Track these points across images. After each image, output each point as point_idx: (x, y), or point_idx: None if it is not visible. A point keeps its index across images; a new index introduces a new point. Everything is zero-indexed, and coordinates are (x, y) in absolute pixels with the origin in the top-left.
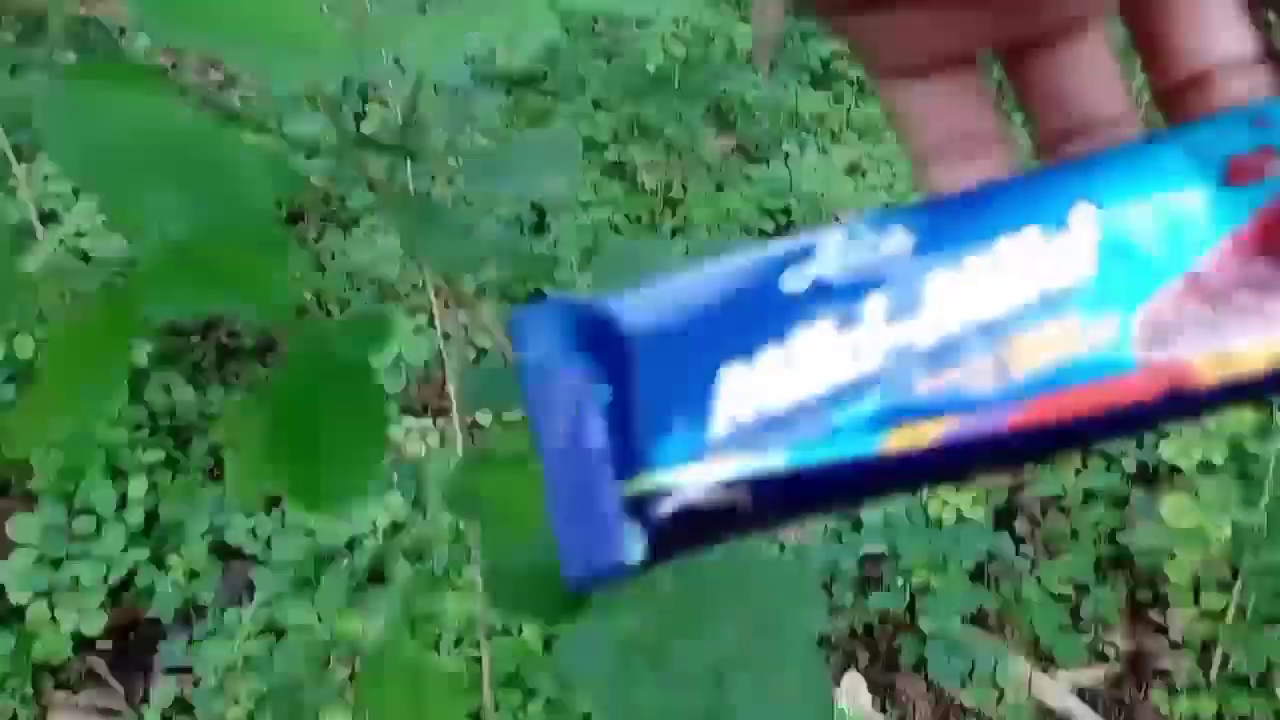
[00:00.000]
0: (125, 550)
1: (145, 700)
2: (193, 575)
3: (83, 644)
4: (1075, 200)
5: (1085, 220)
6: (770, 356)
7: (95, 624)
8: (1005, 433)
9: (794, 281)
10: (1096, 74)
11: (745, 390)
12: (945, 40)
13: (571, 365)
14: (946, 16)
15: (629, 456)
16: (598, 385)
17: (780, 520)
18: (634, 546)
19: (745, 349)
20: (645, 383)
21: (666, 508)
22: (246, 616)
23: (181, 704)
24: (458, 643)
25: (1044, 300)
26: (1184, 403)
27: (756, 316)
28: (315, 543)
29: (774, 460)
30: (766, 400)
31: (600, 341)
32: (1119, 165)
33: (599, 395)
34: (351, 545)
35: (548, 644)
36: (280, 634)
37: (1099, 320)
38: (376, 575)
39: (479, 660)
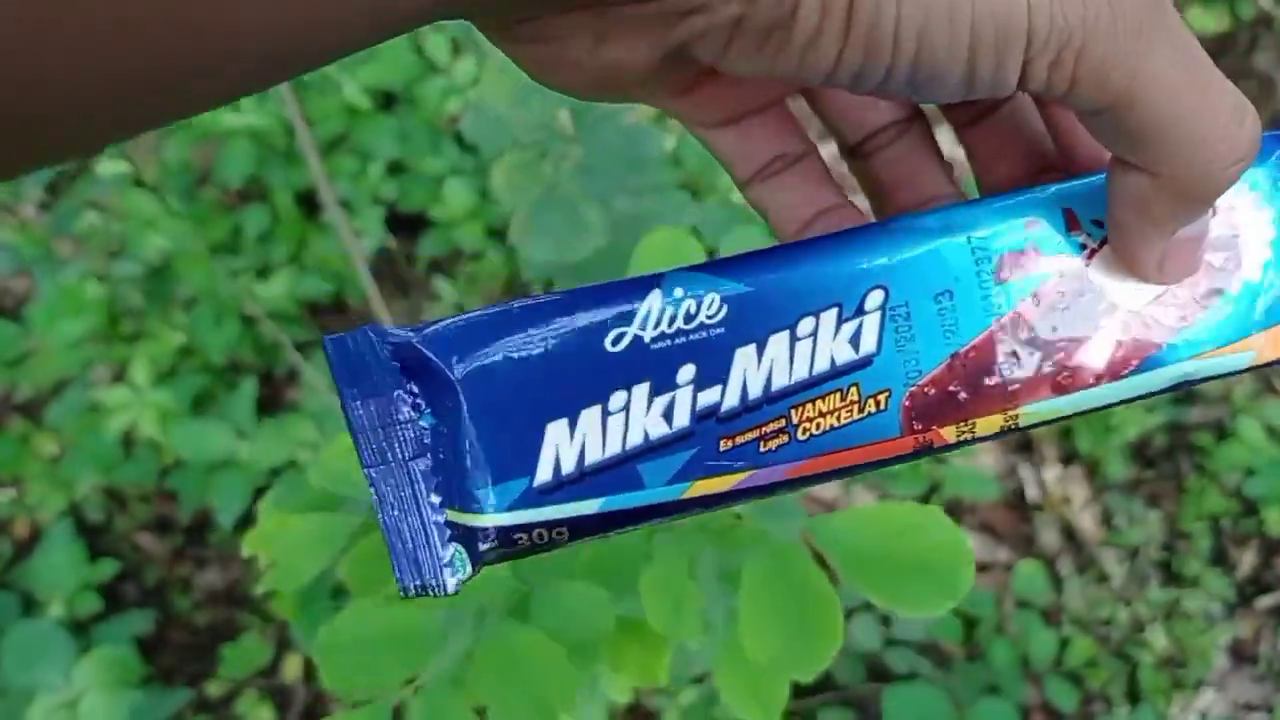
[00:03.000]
0: None
1: None
2: None
3: None
4: (871, 286)
5: (877, 305)
6: (591, 414)
7: None
8: (787, 479)
9: (615, 341)
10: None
11: (567, 444)
12: (745, 100)
13: (393, 391)
14: (742, 82)
15: (457, 490)
16: (421, 412)
17: (590, 539)
18: (460, 569)
19: (569, 407)
20: (472, 428)
21: (490, 543)
22: None
23: None
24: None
25: (833, 371)
26: (927, 453)
27: (580, 375)
28: None
29: (590, 507)
30: (586, 453)
31: (424, 374)
32: (914, 251)
33: (423, 421)
34: None
35: (381, 101)
36: None
37: (875, 392)
38: None
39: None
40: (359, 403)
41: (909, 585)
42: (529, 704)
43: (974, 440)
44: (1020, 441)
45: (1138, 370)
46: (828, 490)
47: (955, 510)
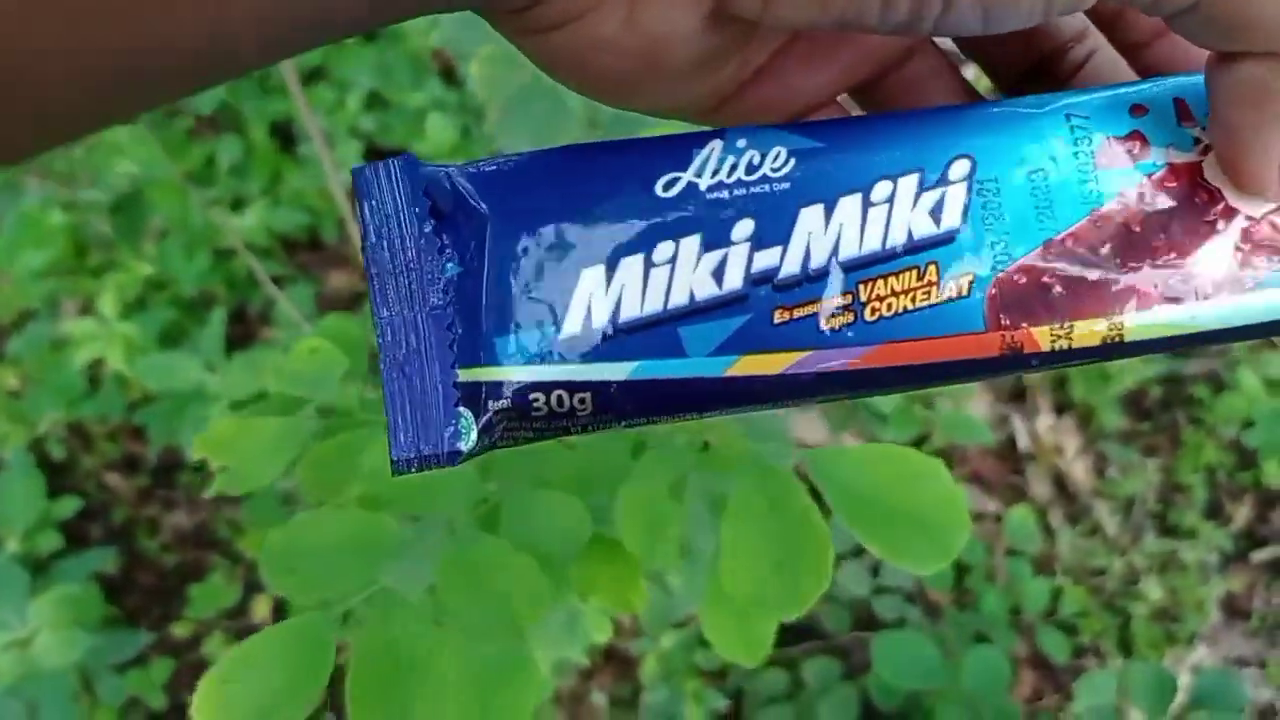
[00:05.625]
0: None
1: None
2: None
3: None
4: (957, 154)
5: (963, 176)
6: (632, 263)
7: None
8: (850, 369)
9: (668, 186)
10: (939, 82)
11: (601, 295)
12: (801, 94)
13: (419, 233)
14: (792, 83)
15: (472, 343)
16: (446, 258)
17: (615, 422)
18: (465, 437)
19: (609, 253)
20: (499, 269)
21: (503, 402)
22: None
23: None
24: None
25: (908, 246)
26: (1017, 362)
27: (624, 220)
28: None
29: (619, 371)
30: (622, 308)
31: (454, 213)
32: (1005, 126)
33: (446, 269)
34: None
35: None
36: None
37: (957, 275)
38: None
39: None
40: (380, 240)
41: (903, 536)
42: (495, 617)
43: (1070, 353)
44: (1013, 389)
45: (1264, 285)
46: (816, 435)
47: (944, 460)
